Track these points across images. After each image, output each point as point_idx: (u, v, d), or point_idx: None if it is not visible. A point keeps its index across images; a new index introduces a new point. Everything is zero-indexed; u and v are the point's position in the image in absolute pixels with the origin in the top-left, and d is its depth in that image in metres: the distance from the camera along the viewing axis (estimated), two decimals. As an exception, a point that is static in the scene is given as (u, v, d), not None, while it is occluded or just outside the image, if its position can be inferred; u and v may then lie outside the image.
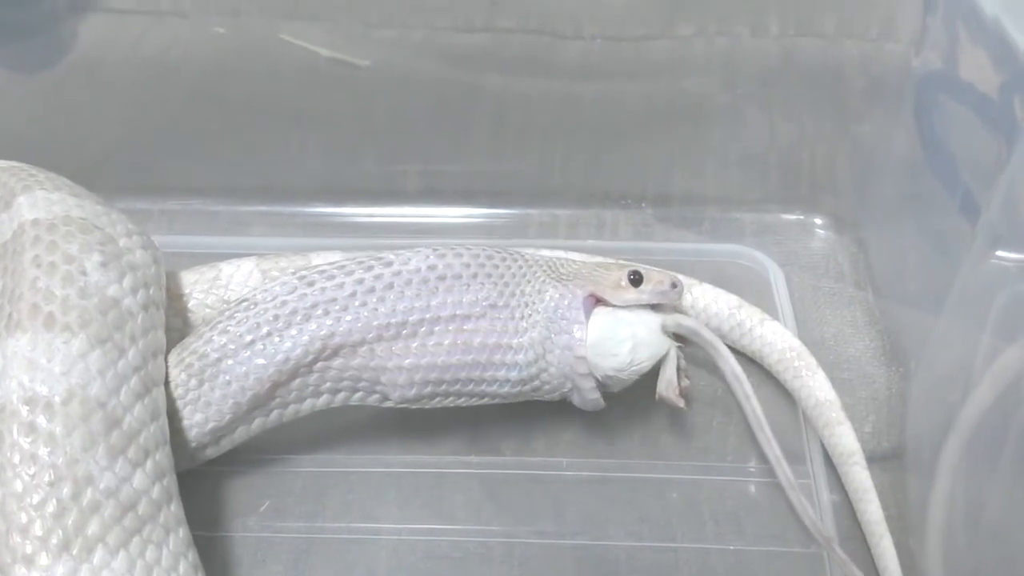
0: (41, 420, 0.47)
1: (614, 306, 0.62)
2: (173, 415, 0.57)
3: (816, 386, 0.66)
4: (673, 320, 0.63)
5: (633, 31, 0.74)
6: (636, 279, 0.62)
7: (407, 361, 0.59)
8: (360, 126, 0.79)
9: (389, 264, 0.60)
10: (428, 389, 0.60)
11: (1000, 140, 0.56)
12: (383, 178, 0.83)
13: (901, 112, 0.72)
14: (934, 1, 0.66)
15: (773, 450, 0.60)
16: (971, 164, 0.61)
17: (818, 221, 0.82)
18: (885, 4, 0.71)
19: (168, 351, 0.59)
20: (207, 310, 0.65)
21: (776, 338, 0.69)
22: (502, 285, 0.61)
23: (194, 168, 0.82)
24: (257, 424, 0.60)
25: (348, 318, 0.58)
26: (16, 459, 0.46)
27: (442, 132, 0.80)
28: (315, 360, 0.59)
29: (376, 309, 0.59)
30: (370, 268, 0.60)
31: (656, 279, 0.62)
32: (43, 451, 0.46)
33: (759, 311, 0.70)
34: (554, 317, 0.61)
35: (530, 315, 0.61)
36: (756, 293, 0.74)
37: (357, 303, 0.59)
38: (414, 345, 0.59)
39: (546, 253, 0.71)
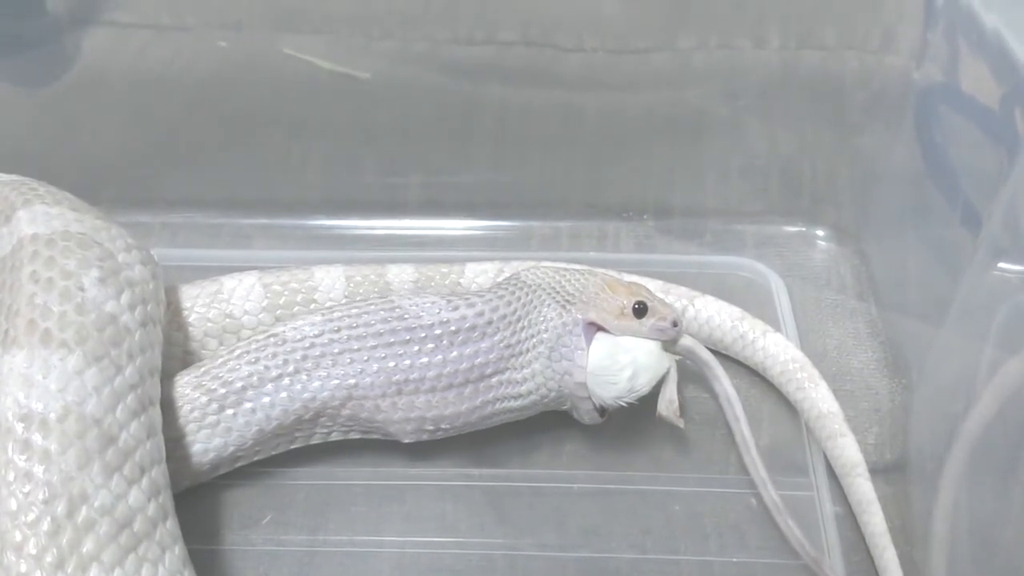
0: (36, 437, 0.47)
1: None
2: (186, 436, 0.58)
3: (819, 398, 0.66)
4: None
5: (634, 43, 0.74)
6: (640, 309, 0.62)
7: (430, 413, 0.60)
8: (361, 138, 0.80)
9: (403, 318, 0.60)
10: (440, 433, 0.61)
11: (1001, 152, 0.56)
12: (384, 190, 0.83)
13: (902, 124, 0.72)
14: (935, 14, 0.66)
15: (759, 473, 0.62)
16: (972, 176, 0.61)
17: (820, 233, 0.81)
18: (886, 17, 0.71)
19: (169, 365, 0.59)
20: (209, 324, 0.65)
21: (779, 350, 0.69)
22: (514, 321, 0.61)
23: (196, 181, 0.82)
24: (280, 449, 0.63)
25: (374, 368, 0.59)
26: (11, 476, 0.46)
27: (443, 144, 0.80)
28: (341, 404, 0.60)
29: (396, 364, 0.60)
30: (387, 321, 0.60)
31: (660, 313, 0.62)
32: (38, 468, 0.46)
33: (761, 323, 0.70)
34: (556, 345, 0.61)
35: (535, 345, 0.61)
36: (758, 305, 0.74)
37: (380, 355, 0.60)
38: (435, 399, 0.60)
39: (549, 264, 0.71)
